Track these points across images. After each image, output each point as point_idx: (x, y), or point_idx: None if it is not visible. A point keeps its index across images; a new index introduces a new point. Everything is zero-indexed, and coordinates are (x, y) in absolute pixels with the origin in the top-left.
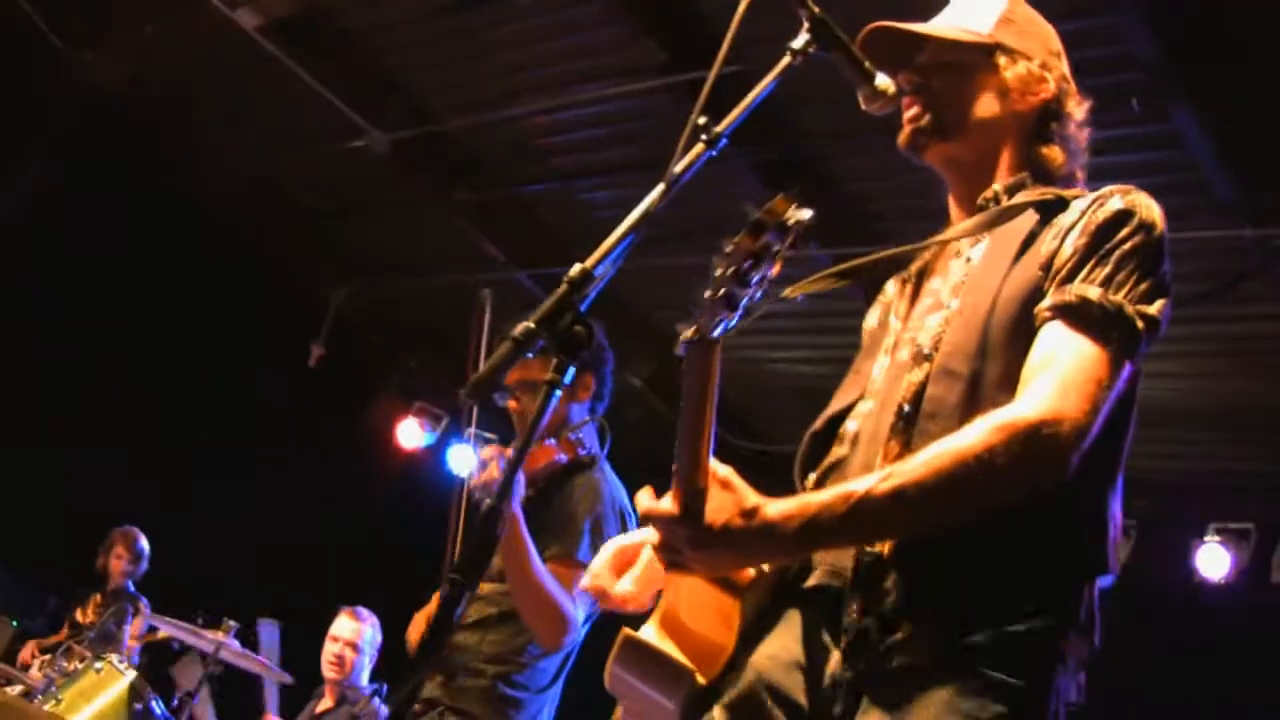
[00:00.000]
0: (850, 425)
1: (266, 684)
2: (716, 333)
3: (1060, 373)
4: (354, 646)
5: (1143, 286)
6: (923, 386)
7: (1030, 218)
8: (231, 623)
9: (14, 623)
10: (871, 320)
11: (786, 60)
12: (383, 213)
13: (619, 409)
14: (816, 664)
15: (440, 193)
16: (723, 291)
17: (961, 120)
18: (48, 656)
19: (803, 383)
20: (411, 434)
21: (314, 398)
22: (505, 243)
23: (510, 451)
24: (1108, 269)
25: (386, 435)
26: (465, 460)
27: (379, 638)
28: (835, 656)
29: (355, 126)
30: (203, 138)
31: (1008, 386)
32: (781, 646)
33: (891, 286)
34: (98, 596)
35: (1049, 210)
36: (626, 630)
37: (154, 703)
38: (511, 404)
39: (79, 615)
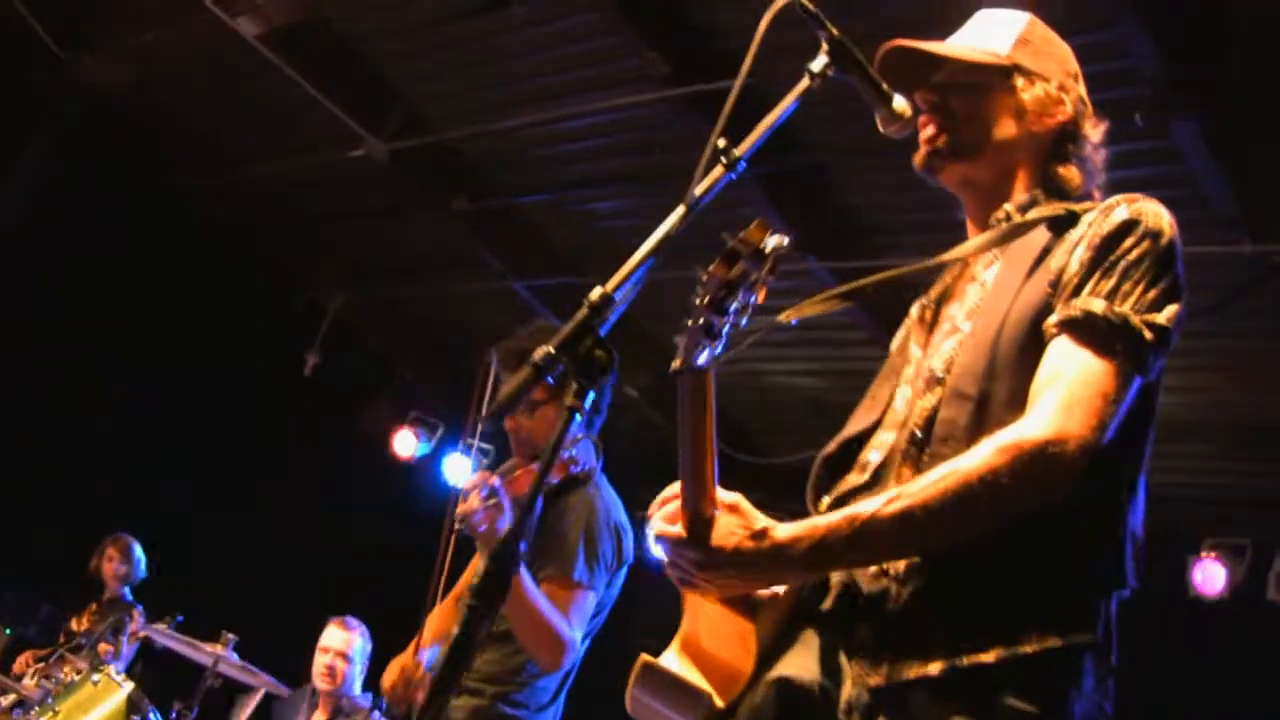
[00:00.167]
0: (872, 456)
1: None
2: (701, 361)
3: (1065, 389)
4: (344, 656)
5: (1150, 295)
6: (935, 411)
7: (1042, 234)
8: (230, 635)
9: (8, 630)
10: (895, 342)
11: (805, 83)
12: (381, 221)
13: (614, 418)
14: (833, 687)
15: (438, 202)
16: (701, 321)
17: (978, 141)
18: (41, 665)
19: (801, 395)
20: (406, 443)
21: (309, 405)
22: (502, 252)
23: (495, 479)
24: (1113, 281)
25: (382, 444)
26: (460, 470)
27: (369, 647)
28: (850, 679)
29: (354, 135)
30: (201, 144)
31: (1017, 405)
32: (799, 669)
33: (915, 309)
34: (93, 605)
35: (1060, 225)
36: (645, 656)
37: (152, 715)
38: (508, 423)
39: (74, 623)
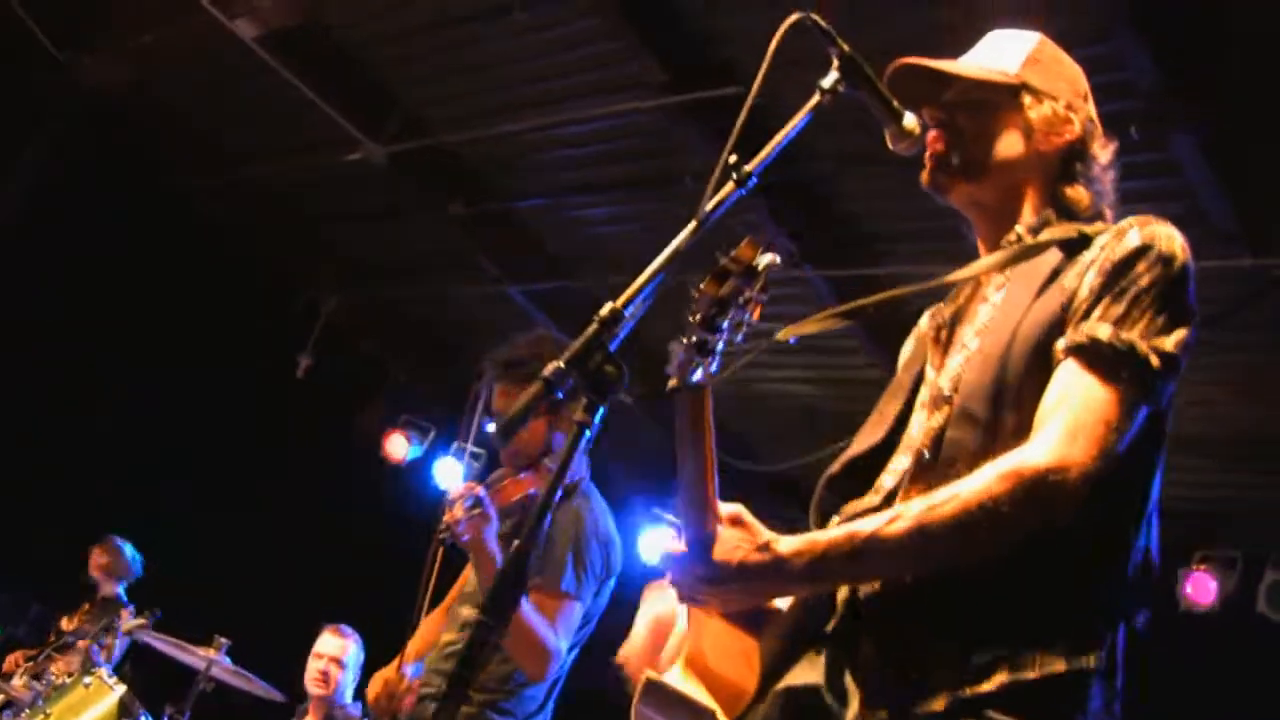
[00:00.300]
0: (886, 480)
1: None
2: (695, 379)
3: (1069, 416)
4: (339, 663)
5: (1159, 321)
6: (942, 430)
7: (1054, 256)
8: (223, 639)
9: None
10: (906, 351)
11: (816, 99)
12: (377, 224)
13: (607, 427)
14: (838, 706)
15: (435, 205)
16: (694, 338)
17: (985, 160)
18: (30, 665)
19: (795, 403)
20: (398, 446)
21: (301, 408)
22: (498, 257)
23: (479, 489)
24: (1122, 307)
25: (373, 447)
26: (451, 474)
27: (363, 656)
28: (856, 701)
29: (352, 138)
30: (199, 146)
31: (1025, 429)
32: (805, 685)
33: (925, 319)
34: (86, 605)
35: (1072, 248)
36: (650, 672)
37: (143, 718)
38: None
39: (64, 623)
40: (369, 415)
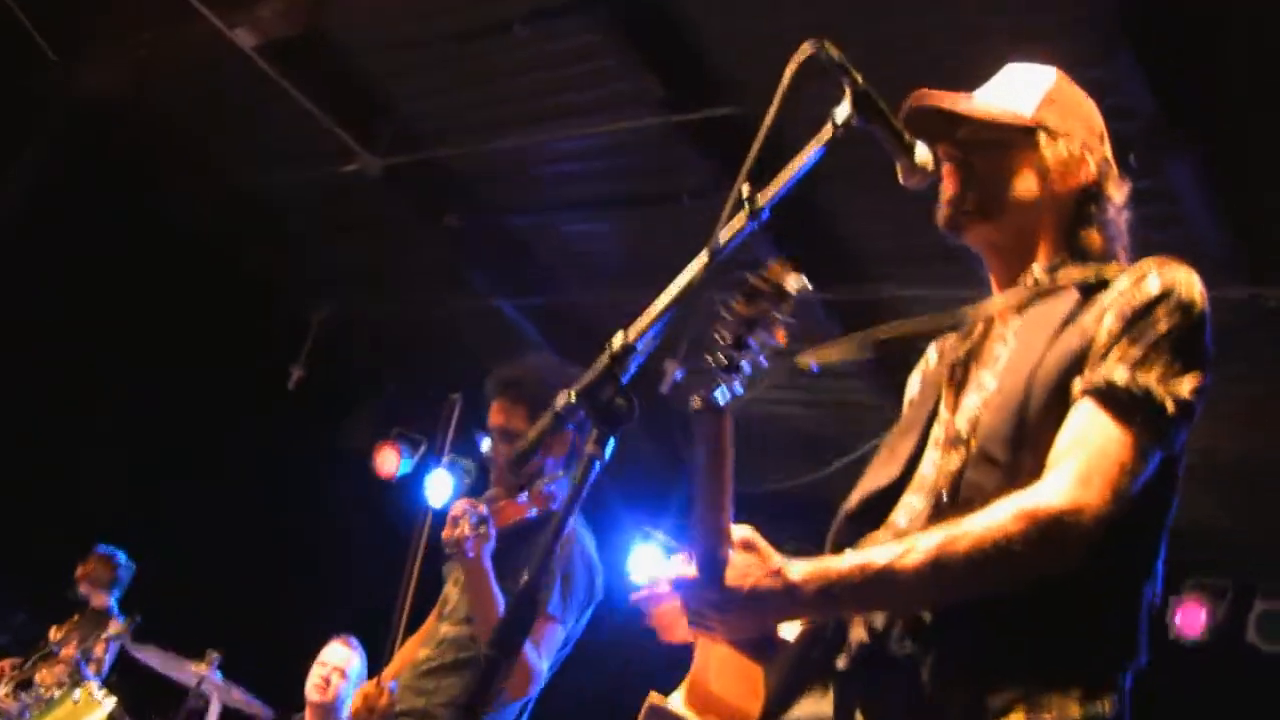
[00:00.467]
0: (899, 519)
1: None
2: (721, 401)
3: (1084, 459)
4: (342, 673)
5: (1175, 366)
6: (960, 473)
7: (1070, 297)
8: (214, 653)
9: None
10: (913, 386)
11: (829, 132)
12: (369, 235)
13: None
14: None
15: (427, 218)
16: (722, 359)
17: (1000, 200)
18: (15, 674)
19: (786, 424)
20: (389, 460)
21: (293, 419)
22: (490, 271)
23: (482, 507)
24: (1140, 350)
25: (364, 460)
26: (441, 488)
27: (365, 673)
28: None
29: (348, 149)
30: (195, 154)
31: (1043, 470)
32: (812, 716)
33: (933, 352)
34: (76, 616)
35: (1089, 289)
36: (654, 695)
37: None
38: (490, 449)
39: (53, 632)
40: (360, 428)
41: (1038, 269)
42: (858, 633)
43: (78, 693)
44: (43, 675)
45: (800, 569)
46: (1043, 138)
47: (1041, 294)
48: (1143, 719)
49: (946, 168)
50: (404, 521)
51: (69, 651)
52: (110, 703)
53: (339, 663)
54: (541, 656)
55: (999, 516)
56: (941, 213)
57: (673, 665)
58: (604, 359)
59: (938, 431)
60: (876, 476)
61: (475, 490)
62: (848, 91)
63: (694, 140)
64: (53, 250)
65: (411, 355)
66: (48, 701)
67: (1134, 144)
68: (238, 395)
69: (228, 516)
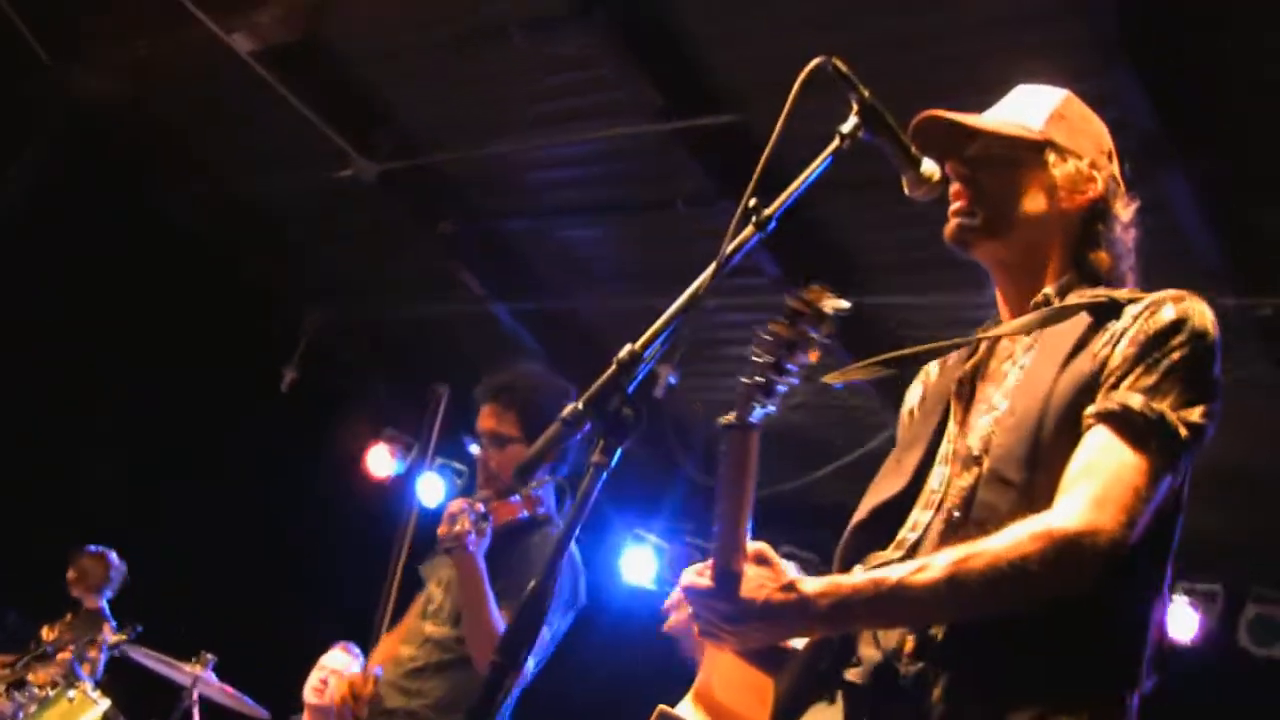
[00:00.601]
0: (909, 535)
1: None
2: (755, 419)
3: (1100, 483)
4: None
5: (1188, 394)
6: (972, 492)
7: (1082, 320)
8: (209, 655)
9: None
10: (913, 398)
11: (835, 144)
12: (364, 240)
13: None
14: None
15: (423, 223)
16: (760, 379)
17: (1008, 217)
18: (7, 673)
19: (775, 428)
20: (381, 462)
21: (286, 421)
22: (485, 276)
23: (480, 505)
24: (1154, 378)
25: (356, 462)
26: (433, 490)
27: None
28: None
29: (344, 155)
30: (191, 159)
31: (1056, 491)
32: None
33: (934, 366)
34: (69, 615)
35: (1101, 313)
36: (662, 707)
37: None
38: (479, 454)
39: (45, 632)
40: (353, 430)
41: (1049, 290)
42: (867, 649)
43: (72, 693)
44: (37, 675)
45: (813, 584)
46: (1051, 155)
47: (1055, 316)
48: None
49: (954, 184)
50: (395, 523)
51: (64, 653)
52: (105, 703)
53: (339, 667)
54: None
55: (1016, 537)
56: (949, 227)
57: (661, 669)
58: (611, 369)
59: (946, 447)
60: (884, 489)
61: (466, 492)
62: (855, 105)
63: (690, 147)
64: (51, 250)
65: (406, 359)
66: (42, 701)
67: (1130, 155)
68: (231, 396)
69: (220, 517)
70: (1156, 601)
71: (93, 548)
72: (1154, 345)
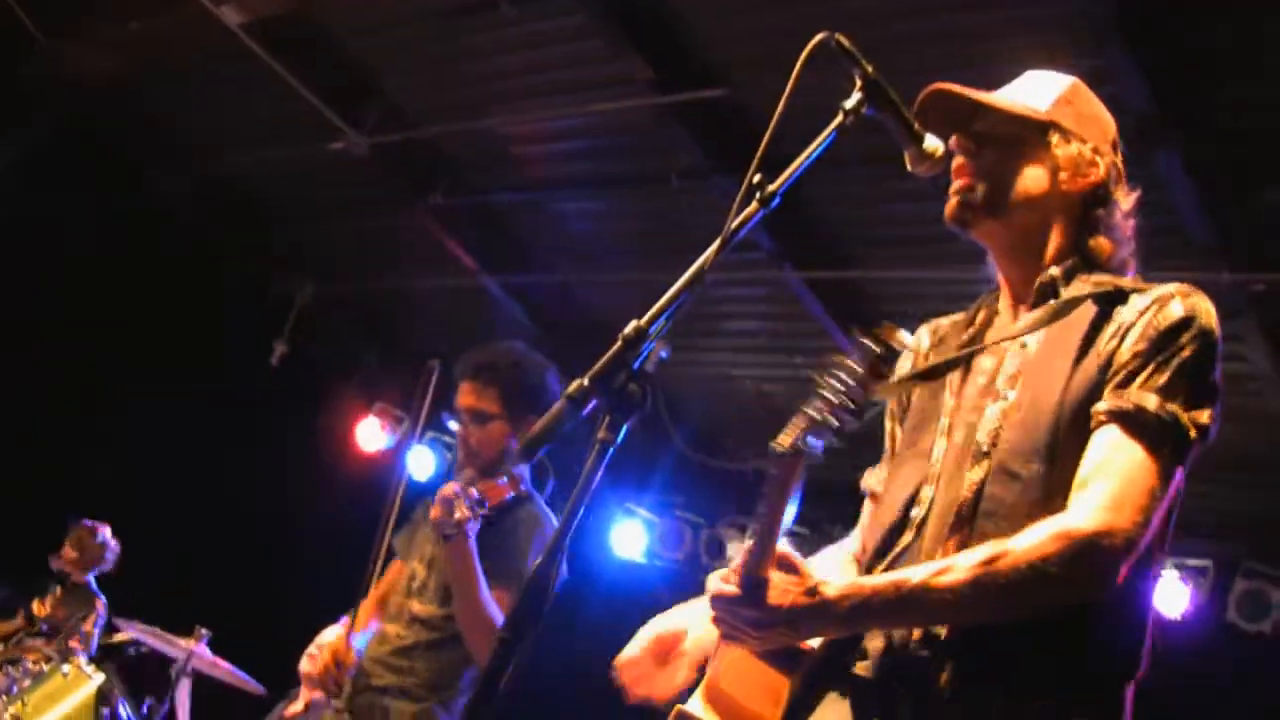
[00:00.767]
0: (915, 512)
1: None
2: (816, 449)
3: (1115, 483)
4: None
5: (1198, 394)
6: (982, 485)
7: (1088, 309)
8: (203, 630)
9: None
10: (904, 368)
11: (839, 119)
12: (355, 213)
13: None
14: None
15: (413, 196)
16: (826, 415)
17: (1010, 195)
18: (2, 650)
19: (770, 401)
20: (372, 435)
21: (276, 395)
22: (476, 249)
23: (475, 491)
24: (1166, 377)
25: (346, 436)
26: (423, 463)
27: None
28: None
29: (334, 128)
30: (182, 134)
31: (1065, 489)
32: None
33: (925, 336)
34: (58, 590)
35: (1107, 302)
36: (680, 708)
37: (121, 706)
38: (459, 431)
39: (36, 608)
40: (343, 404)
41: (1055, 271)
42: (873, 641)
43: (66, 668)
44: (30, 650)
45: (835, 587)
46: (1055, 136)
47: (1063, 309)
48: None
49: (957, 160)
50: (385, 496)
51: (74, 639)
52: (99, 678)
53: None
54: None
55: (1034, 538)
56: (949, 206)
57: None
58: (617, 345)
59: (943, 421)
60: (908, 475)
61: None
62: (858, 81)
63: (682, 121)
64: (43, 225)
65: (396, 332)
66: (36, 676)
67: (1125, 132)
68: (221, 371)
69: (212, 492)
70: (1153, 591)
71: (86, 522)
72: (1164, 342)
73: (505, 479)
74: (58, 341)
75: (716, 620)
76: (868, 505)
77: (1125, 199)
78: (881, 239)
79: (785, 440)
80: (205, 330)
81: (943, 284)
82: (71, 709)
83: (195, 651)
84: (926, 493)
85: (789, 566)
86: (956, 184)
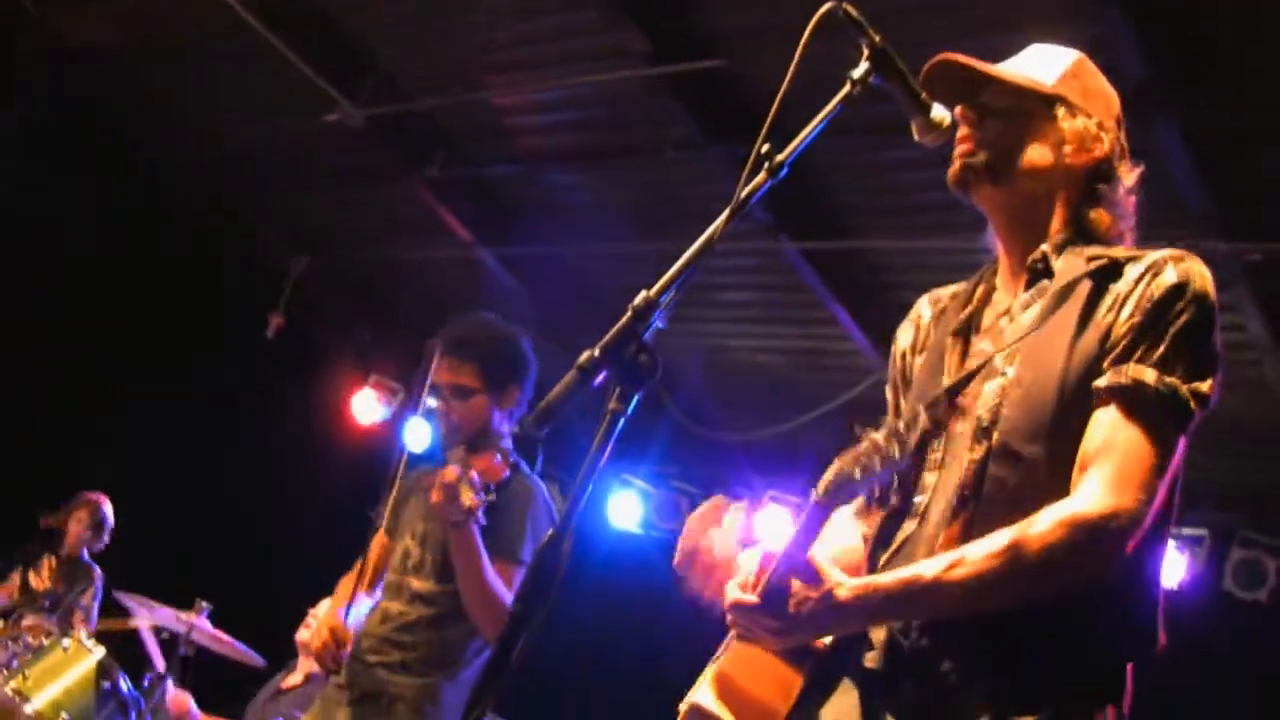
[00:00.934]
0: (919, 499)
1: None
2: (843, 505)
3: (1117, 462)
4: None
5: (1196, 363)
6: (982, 465)
7: (1083, 286)
8: (204, 603)
9: None
10: (904, 339)
11: (846, 89)
12: (350, 185)
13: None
14: None
15: (409, 168)
16: (869, 483)
17: (1013, 165)
18: (3, 625)
19: (766, 372)
20: (367, 407)
21: (273, 367)
22: (471, 220)
23: (475, 474)
24: (1163, 348)
25: (342, 408)
26: (420, 436)
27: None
28: None
29: (329, 99)
30: (176, 103)
31: (1063, 463)
32: (841, 713)
33: (926, 308)
34: (51, 560)
35: (1102, 276)
36: (695, 702)
37: (122, 680)
38: (440, 406)
39: (32, 580)
40: (338, 376)
41: (1046, 248)
42: (878, 633)
43: (67, 641)
44: (30, 624)
45: (849, 589)
46: (1061, 109)
47: (1063, 294)
48: None
49: (962, 130)
50: (382, 468)
51: (77, 615)
52: (100, 651)
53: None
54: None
55: (1040, 526)
56: (952, 170)
57: (646, 612)
58: (626, 316)
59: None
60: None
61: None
62: (865, 50)
63: (678, 93)
64: (36, 196)
65: (391, 304)
66: (37, 650)
67: (1121, 100)
68: (217, 343)
69: (209, 464)
70: (1158, 567)
71: (92, 494)
72: (1159, 312)
73: (499, 456)
74: (55, 324)
75: (734, 625)
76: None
77: (1128, 175)
78: (880, 209)
79: (823, 493)
80: (200, 303)
81: (943, 254)
82: (72, 682)
83: (196, 624)
84: (929, 478)
85: (810, 573)
86: (960, 149)
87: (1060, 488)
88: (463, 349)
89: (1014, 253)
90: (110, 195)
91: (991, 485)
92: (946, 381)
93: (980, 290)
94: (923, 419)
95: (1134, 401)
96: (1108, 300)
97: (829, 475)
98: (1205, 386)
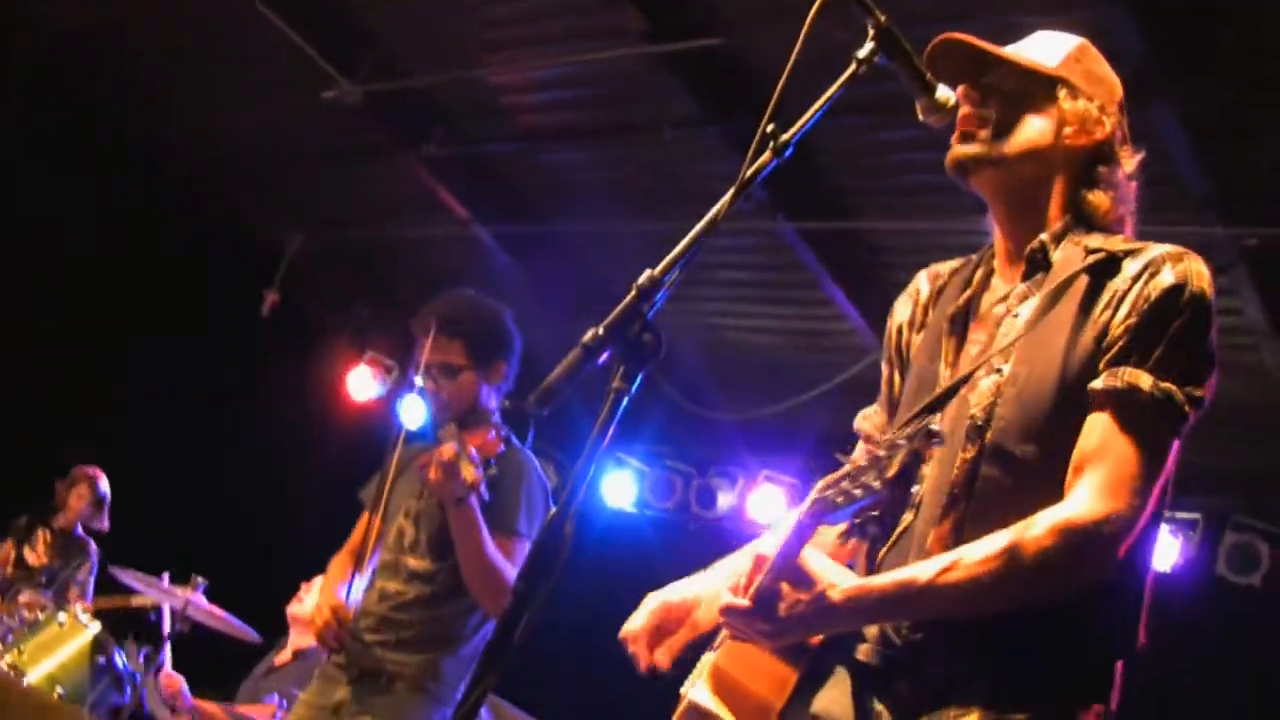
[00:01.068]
0: (915, 490)
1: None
2: (832, 522)
3: (1110, 467)
4: None
5: (1192, 365)
6: (974, 465)
7: (1081, 281)
8: (199, 579)
9: None
10: (901, 314)
11: (852, 69)
12: (347, 162)
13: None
14: None
15: (406, 146)
16: (863, 509)
17: (1013, 147)
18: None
19: (762, 352)
20: (363, 385)
21: (268, 344)
22: (468, 198)
23: (473, 450)
24: (1159, 351)
25: (337, 386)
26: (414, 413)
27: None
28: None
29: (327, 76)
30: (171, 80)
31: (1059, 469)
32: (832, 701)
33: (925, 284)
34: (46, 534)
35: (1100, 271)
36: (693, 700)
37: (117, 656)
38: (428, 384)
39: (28, 554)
40: (334, 353)
41: (1044, 237)
42: (871, 629)
43: (62, 616)
44: (26, 599)
45: (842, 592)
46: (1063, 92)
47: (1061, 289)
48: None
49: (963, 110)
50: (379, 445)
51: (63, 576)
52: (95, 626)
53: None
54: (516, 572)
55: (1034, 532)
56: (951, 153)
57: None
58: (631, 295)
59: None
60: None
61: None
62: (870, 30)
63: (676, 71)
64: (29, 178)
65: (388, 282)
66: (32, 625)
67: (1122, 83)
68: (212, 320)
69: (204, 441)
70: (1147, 568)
71: (91, 468)
72: (1155, 314)
73: (492, 431)
74: (55, 324)
75: (727, 628)
76: (861, 447)
77: (1129, 160)
78: (878, 189)
79: (807, 512)
80: (196, 280)
81: (942, 235)
82: (67, 657)
83: (192, 600)
84: (925, 470)
85: (802, 576)
86: (960, 130)
87: (1052, 488)
88: (449, 327)
89: (1013, 237)
90: (109, 182)
91: (983, 485)
92: (944, 371)
93: (979, 274)
94: (903, 452)
95: (1129, 406)
96: (1105, 297)
97: (812, 497)
98: (1200, 390)
